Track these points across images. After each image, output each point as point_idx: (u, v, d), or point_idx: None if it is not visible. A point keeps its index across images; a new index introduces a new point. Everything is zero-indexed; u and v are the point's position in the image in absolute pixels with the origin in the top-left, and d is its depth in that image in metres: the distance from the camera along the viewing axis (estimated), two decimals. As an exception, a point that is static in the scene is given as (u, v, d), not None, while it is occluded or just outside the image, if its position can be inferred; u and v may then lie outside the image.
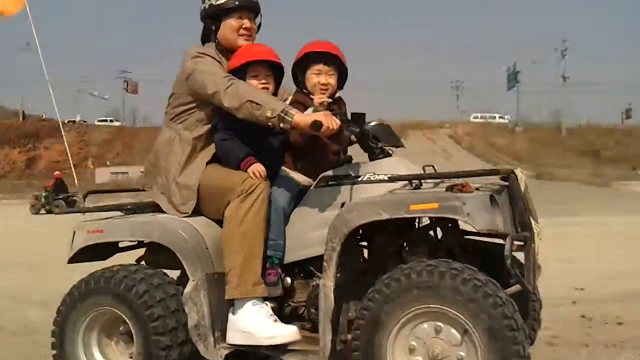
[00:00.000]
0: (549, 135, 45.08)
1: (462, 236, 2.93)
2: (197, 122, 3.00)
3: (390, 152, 2.93)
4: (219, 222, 2.96)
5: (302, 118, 2.67)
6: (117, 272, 2.89)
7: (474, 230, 2.54)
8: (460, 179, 2.66)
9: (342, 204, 2.79)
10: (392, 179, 2.73)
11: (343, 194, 2.83)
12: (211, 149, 3.00)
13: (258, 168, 2.87)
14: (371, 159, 2.90)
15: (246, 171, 2.87)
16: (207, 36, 3.15)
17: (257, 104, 2.71)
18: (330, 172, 2.91)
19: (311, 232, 2.85)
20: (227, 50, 3.07)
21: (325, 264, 2.68)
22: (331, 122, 2.64)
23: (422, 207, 2.56)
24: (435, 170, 2.80)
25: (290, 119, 2.67)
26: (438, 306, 2.41)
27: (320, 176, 2.92)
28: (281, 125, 2.70)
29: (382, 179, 2.76)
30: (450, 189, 2.59)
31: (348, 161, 3.07)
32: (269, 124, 2.73)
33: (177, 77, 3.06)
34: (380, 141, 2.90)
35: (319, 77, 3.03)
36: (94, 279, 2.92)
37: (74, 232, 3.06)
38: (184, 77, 2.96)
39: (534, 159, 32.59)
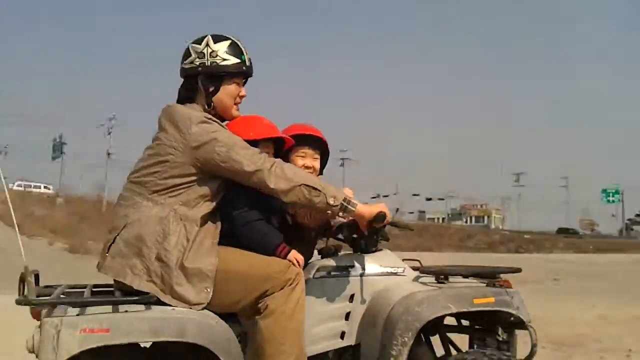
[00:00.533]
0: (91, 209, 43.65)
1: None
2: (199, 197, 2.54)
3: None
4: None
5: (367, 209, 2.60)
6: None
7: (524, 320, 2.80)
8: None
9: (352, 296, 2.77)
10: (426, 272, 2.94)
11: (352, 286, 2.79)
12: (216, 229, 2.59)
13: (297, 256, 2.62)
14: (365, 251, 2.90)
15: (284, 258, 2.59)
16: (191, 96, 2.70)
17: (316, 189, 2.53)
18: (331, 262, 2.82)
19: (316, 327, 2.69)
20: (216, 117, 2.68)
21: (392, 357, 2.62)
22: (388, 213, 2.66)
23: (483, 301, 2.77)
24: (421, 263, 3.10)
25: (353, 209, 2.58)
26: None
27: (319, 265, 2.81)
28: (341, 214, 2.62)
29: (390, 271, 2.86)
30: (492, 284, 2.86)
31: (337, 251, 2.98)
32: (328, 211, 2.59)
33: (167, 142, 2.53)
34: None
35: (304, 160, 2.95)
36: None
37: (58, 332, 2.19)
38: (191, 145, 2.49)
39: (71, 232, 31.33)
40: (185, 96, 2.71)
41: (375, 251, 2.90)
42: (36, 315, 2.38)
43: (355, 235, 2.92)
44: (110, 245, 2.49)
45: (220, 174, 2.55)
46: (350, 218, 2.75)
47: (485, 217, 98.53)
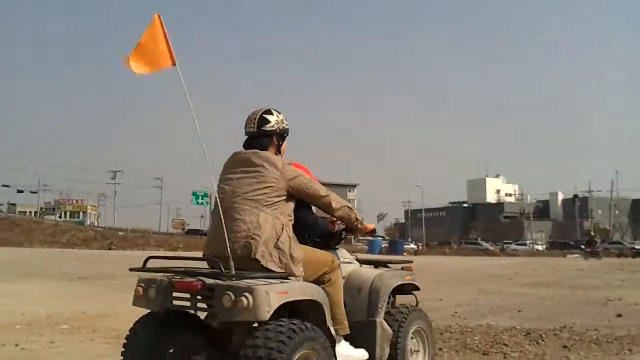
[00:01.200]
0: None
1: None
2: (288, 209, 3.87)
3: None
4: None
5: (369, 225, 4.37)
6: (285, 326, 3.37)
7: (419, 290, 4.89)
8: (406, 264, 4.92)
9: None
10: (365, 262, 4.75)
11: None
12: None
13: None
14: (334, 248, 4.37)
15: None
16: (266, 147, 4.01)
17: (352, 209, 4.15)
18: None
19: None
20: None
21: (379, 309, 4.29)
22: None
23: (407, 277, 4.67)
24: (358, 258, 4.72)
25: (364, 223, 4.28)
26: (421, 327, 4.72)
27: None
28: (359, 225, 4.23)
29: (349, 261, 4.53)
30: (406, 269, 4.78)
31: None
32: (355, 224, 4.21)
33: (268, 174, 3.83)
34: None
35: None
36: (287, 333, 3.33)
37: (268, 294, 3.33)
38: (287, 177, 3.85)
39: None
40: (262, 147, 3.98)
41: (337, 248, 4.42)
42: (191, 285, 3.52)
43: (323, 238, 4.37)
44: (251, 240, 3.67)
45: (302, 196, 3.95)
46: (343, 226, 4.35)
47: (81, 213, 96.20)
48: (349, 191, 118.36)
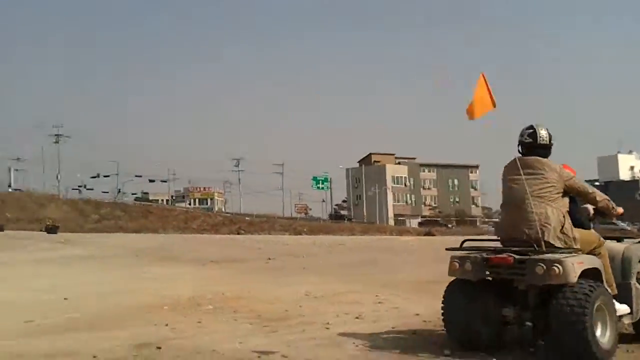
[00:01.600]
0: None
1: None
2: (564, 203, 5.14)
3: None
4: None
5: (619, 209, 5.48)
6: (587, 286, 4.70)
7: None
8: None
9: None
10: (607, 238, 5.68)
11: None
12: None
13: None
14: (587, 227, 5.48)
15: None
16: (547, 155, 5.30)
17: (609, 200, 5.37)
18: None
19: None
20: None
21: (632, 274, 5.34)
22: None
23: None
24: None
25: (617, 209, 5.47)
26: None
27: None
28: (614, 212, 5.47)
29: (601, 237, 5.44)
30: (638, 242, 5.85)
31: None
32: (612, 211, 5.45)
33: (550, 177, 5.12)
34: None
35: None
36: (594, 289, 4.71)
37: (572, 264, 4.68)
38: (564, 179, 5.16)
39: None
40: (545, 155, 5.26)
41: (589, 227, 5.54)
42: (505, 259, 4.89)
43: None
44: (544, 228, 4.94)
45: (574, 193, 5.25)
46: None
47: (209, 200, 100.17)
48: (471, 172, 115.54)
